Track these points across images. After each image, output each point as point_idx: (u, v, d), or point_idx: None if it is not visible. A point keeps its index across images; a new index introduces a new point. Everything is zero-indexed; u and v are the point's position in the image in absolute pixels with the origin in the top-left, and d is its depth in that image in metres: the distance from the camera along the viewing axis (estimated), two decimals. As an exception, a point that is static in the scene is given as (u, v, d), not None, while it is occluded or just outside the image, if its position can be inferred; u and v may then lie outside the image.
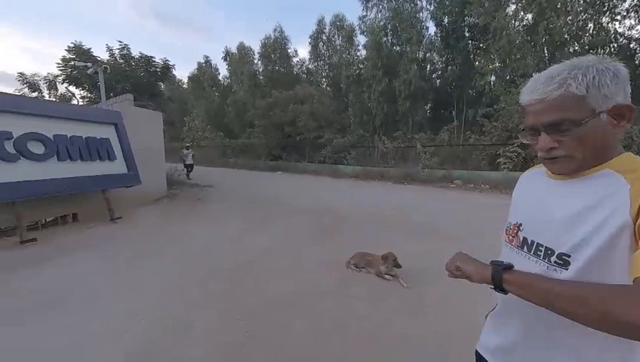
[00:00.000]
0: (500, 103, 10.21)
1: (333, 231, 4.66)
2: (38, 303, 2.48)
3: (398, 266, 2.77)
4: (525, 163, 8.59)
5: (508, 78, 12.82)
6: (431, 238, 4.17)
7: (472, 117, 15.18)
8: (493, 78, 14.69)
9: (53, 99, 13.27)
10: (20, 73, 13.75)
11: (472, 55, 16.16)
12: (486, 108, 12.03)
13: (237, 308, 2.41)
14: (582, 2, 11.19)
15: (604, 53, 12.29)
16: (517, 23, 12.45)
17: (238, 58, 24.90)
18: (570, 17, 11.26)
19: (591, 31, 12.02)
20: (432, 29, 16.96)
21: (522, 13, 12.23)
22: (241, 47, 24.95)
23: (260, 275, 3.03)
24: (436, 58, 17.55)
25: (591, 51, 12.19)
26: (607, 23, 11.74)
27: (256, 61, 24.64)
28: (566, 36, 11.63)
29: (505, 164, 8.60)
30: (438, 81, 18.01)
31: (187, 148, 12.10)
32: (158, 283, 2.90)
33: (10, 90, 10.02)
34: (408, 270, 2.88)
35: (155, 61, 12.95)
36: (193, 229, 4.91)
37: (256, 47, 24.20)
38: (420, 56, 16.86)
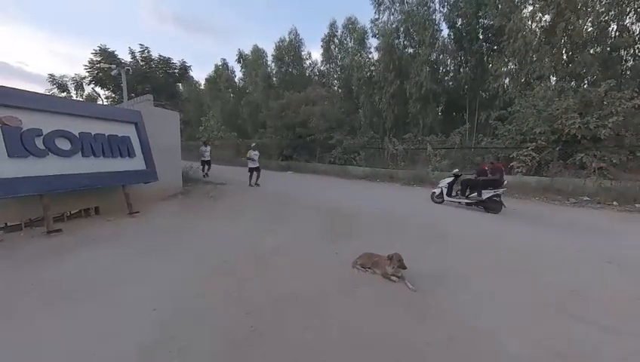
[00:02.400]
0: (514, 106, 10.03)
1: (341, 230, 4.73)
2: (57, 292, 2.64)
3: (404, 267, 2.78)
4: (540, 167, 8.40)
5: (523, 80, 12.54)
6: (439, 241, 4.18)
7: (484, 119, 14.93)
8: (507, 80, 14.41)
9: (80, 99, 13.96)
10: (50, 74, 14.78)
11: (485, 57, 15.90)
12: (499, 111, 11.83)
13: (244, 303, 2.48)
14: (604, 2, 10.83)
15: (627, 55, 11.84)
16: (534, 25, 12.19)
17: (253, 60, 25.42)
18: (590, 18, 10.91)
19: (614, 32, 11.61)
20: (445, 31, 16.80)
21: (540, 14, 11.96)
22: (256, 50, 25.46)
23: (268, 272, 3.10)
24: (449, 60, 17.37)
25: (613, 53, 11.77)
26: (632, 24, 11.31)
27: (269, 63, 25.08)
28: (586, 38, 11.28)
29: (518, 167, 8.43)
30: (450, 83, 17.80)
31: (205, 144, 11.43)
32: (169, 276, 3.01)
33: (41, 90, 10.65)
34: (415, 272, 2.89)
35: (173, 62, 13.48)
36: (206, 225, 5.09)
37: (270, 50, 24.66)
38: (433, 58, 16.74)
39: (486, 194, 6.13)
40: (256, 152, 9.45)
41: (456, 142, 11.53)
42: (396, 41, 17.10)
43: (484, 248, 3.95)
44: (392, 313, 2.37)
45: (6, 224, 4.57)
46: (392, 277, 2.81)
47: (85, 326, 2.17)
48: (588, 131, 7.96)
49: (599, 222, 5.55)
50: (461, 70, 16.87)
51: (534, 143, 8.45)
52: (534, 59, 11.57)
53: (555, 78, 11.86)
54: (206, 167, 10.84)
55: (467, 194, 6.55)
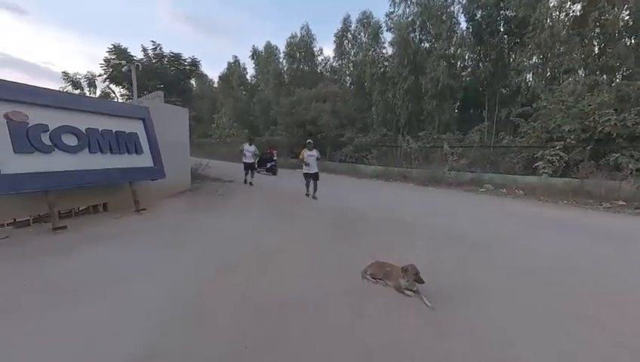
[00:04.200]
0: (540, 102, 9.32)
1: (351, 233, 4.47)
2: (52, 293, 2.53)
3: (421, 281, 2.46)
4: (567, 168, 7.78)
5: (548, 74, 11.74)
6: (457, 247, 3.84)
7: (504, 116, 14.17)
8: (530, 75, 13.59)
9: (93, 96, 14.26)
10: (64, 72, 15.16)
11: (507, 51, 15.05)
12: (521, 107, 11.10)
13: (246, 306, 2.33)
14: (642, -11, 9.90)
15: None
16: (562, 15, 11.35)
17: (265, 57, 25.33)
18: (627, 6, 10.01)
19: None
20: (463, 24, 16.02)
21: (569, 4, 11.12)
22: (268, 46, 25.36)
23: (272, 275, 2.93)
24: (467, 54, 16.57)
25: (651, 44, 10.79)
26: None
27: (281, 60, 24.90)
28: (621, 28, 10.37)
29: (544, 168, 7.82)
30: (467, 78, 17.00)
31: (250, 141, 9.25)
32: (172, 275, 2.90)
33: (56, 87, 10.88)
34: (432, 285, 2.58)
35: (183, 58, 13.50)
36: (212, 223, 4.96)
37: (282, 46, 24.47)
38: (450, 52, 16.02)
39: (268, 164, 12.16)
40: (314, 152, 6.94)
41: (475, 141, 10.90)
42: (412, 35, 16.47)
43: (509, 255, 3.58)
44: (405, 328, 2.10)
45: (14, 220, 4.56)
46: (407, 291, 2.50)
47: (75, 329, 2.03)
48: (625, 129, 7.26)
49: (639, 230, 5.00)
50: (480, 65, 16.05)
51: (562, 142, 7.81)
52: (562, 51, 10.77)
53: (584, 72, 11.03)
54: (249, 173, 8.93)
55: (262, 167, 11.90)
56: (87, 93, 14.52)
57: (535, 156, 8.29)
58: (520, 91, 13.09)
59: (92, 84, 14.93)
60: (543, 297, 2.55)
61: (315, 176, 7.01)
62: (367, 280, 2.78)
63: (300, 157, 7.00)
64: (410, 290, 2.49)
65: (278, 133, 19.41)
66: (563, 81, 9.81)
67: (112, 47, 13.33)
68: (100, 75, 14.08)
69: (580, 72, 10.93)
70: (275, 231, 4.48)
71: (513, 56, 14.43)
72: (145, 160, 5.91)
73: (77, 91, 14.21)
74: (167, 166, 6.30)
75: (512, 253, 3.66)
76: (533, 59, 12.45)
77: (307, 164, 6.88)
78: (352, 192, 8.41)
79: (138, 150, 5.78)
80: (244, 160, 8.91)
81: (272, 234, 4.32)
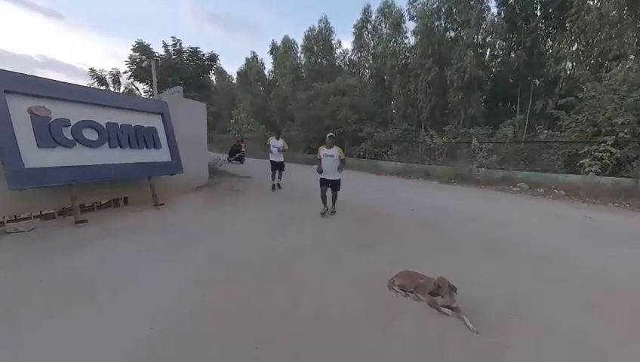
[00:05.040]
0: (586, 91, 8.31)
1: (373, 236, 4.14)
2: (55, 293, 2.45)
3: (452, 300, 2.12)
4: (619, 165, 6.91)
5: (593, 61, 10.56)
6: (497, 257, 3.35)
7: (539, 109, 13.04)
8: (570, 63, 12.34)
9: (118, 92, 14.75)
10: (91, 68, 15.83)
11: (543, 37, 13.78)
12: (560, 98, 10.06)
13: (251, 318, 2.09)
14: None
15: None
16: (612, -7, 10.11)
17: (282, 52, 25.14)
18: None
19: None
20: (493, 9, 14.85)
21: (621, -19, 9.87)
22: (286, 41, 25.12)
23: (284, 283, 2.64)
24: (497, 43, 15.38)
25: None
26: None
27: (299, 54, 24.61)
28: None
29: (590, 165, 6.99)
30: (497, 69, 15.81)
31: (277, 135, 7.49)
32: (182, 276, 2.76)
33: (83, 84, 11.26)
34: (472, 302, 2.22)
35: (201, 53, 13.56)
36: (227, 221, 4.83)
37: (300, 41, 24.14)
38: (478, 41, 14.94)
39: (237, 155, 14.62)
40: (334, 151, 5.03)
41: (507, 135, 10.03)
42: (436, 23, 15.55)
43: (563, 270, 3.08)
44: (442, 359, 1.74)
45: (40, 212, 4.66)
46: (444, 309, 2.13)
47: (64, 333, 1.91)
48: (689, 122, 6.30)
49: None
50: (511, 54, 14.86)
51: (614, 136, 6.91)
52: (612, 35, 9.60)
53: (636, 58, 9.78)
54: (277, 173, 7.30)
55: (232, 157, 14.54)
56: (112, 90, 15.02)
57: (579, 152, 7.44)
58: (558, 81, 11.94)
59: (117, 80, 15.44)
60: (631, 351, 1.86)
61: (334, 186, 5.17)
62: (394, 292, 2.43)
63: (317, 156, 5.24)
64: (449, 308, 2.12)
65: (295, 129, 19.23)
66: (611, 69, 8.73)
67: (136, 44, 13.67)
68: (125, 72, 14.50)
69: (632, 57, 9.70)
70: (290, 232, 4.25)
71: (551, 43, 13.19)
72: (163, 155, 5.88)
73: (102, 87, 14.74)
74: (185, 161, 6.26)
75: (573, 273, 2.99)
76: (575, 46, 11.25)
77: (320, 172, 5.07)
78: (373, 190, 8.02)
79: (156, 145, 5.76)
80: (271, 157, 7.23)
81: (287, 235, 4.09)
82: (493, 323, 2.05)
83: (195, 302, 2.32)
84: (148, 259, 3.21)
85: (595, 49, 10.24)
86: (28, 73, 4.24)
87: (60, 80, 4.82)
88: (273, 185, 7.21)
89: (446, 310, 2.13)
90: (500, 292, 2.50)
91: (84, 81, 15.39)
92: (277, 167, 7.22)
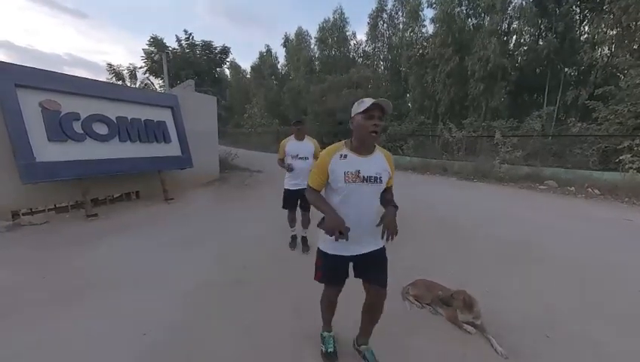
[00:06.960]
0: (629, 79, 7.46)
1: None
2: (58, 290, 2.39)
3: (476, 315, 1.86)
4: (664, 162, 6.20)
5: (637, 46, 9.55)
6: (528, 266, 2.96)
7: (570, 100, 12.07)
8: (607, 49, 11.28)
9: (128, 85, 15.04)
10: (109, 64, 16.18)
11: (577, 22, 12.66)
12: (595, 88, 9.19)
13: (252, 329, 1.91)
14: None
15: None
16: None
17: (296, 44, 24.80)
18: None
19: None
20: (521, -8, 13.77)
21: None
22: (299, 33, 24.77)
23: (290, 288, 2.42)
24: (524, 29, 14.31)
25: None
26: None
27: (312, 46, 24.19)
28: None
29: (632, 162, 6.31)
30: (523, 57, 14.75)
31: (300, 133, 3.08)
32: (186, 275, 2.65)
33: (102, 79, 11.50)
34: (500, 319, 1.94)
35: (213, 46, 13.53)
36: (236, 217, 4.72)
37: (313, 33, 23.69)
38: (503, 28, 13.97)
39: None
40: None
41: (534, 129, 9.30)
42: (457, 10, 14.69)
43: (606, 283, 2.68)
44: None
45: (55, 205, 4.73)
46: (467, 327, 1.86)
47: (64, 331, 1.82)
48: None
49: None
50: (540, 41, 13.79)
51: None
52: (659, 16, 8.61)
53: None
54: (298, 213, 3.09)
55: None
56: (129, 84, 15.34)
57: (618, 147, 6.74)
58: (593, 69, 10.95)
59: (133, 75, 15.75)
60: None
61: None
62: (409, 303, 2.18)
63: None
64: (473, 325, 1.86)
65: (308, 122, 18.99)
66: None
67: (151, 39, 13.84)
68: (140, 67, 14.76)
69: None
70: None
71: (586, 27, 12.10)
72: (173, 149, 5.85)
73: (119, 82, 15.07)
74: (196, 155, 6.21)
75: (615, 285, 2.60)
76: (615, 30, 10.22)
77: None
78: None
79: (166, 139, 5.72)
80: (286, 182, 5.42)
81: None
82: (525, 345, 1.77)
83: (198, 303, 2.19)
84: (153, 256, 3.13)
85: (639, 33, 9.25)
86: (57, 71, 4.27)
87: (86, 77, 4.82)
88: (293, 238, 3.51)
89: (469, 328, 1.86)
90: (532, 308, 2.19)
91: (107, 78, 15.75)
92: (298, 200, 3.24)
